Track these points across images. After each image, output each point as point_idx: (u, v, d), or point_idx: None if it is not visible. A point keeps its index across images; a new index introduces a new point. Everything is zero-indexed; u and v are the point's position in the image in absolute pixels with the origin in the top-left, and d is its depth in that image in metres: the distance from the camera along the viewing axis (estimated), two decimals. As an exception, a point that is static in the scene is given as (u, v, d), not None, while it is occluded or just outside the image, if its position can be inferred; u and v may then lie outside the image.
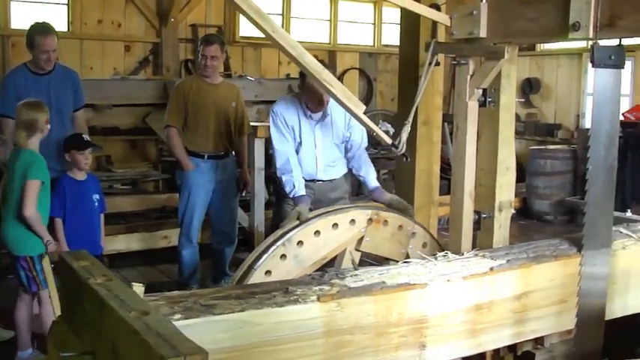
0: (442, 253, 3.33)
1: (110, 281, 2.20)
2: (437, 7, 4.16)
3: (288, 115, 4.52)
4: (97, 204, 5.05)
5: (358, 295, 2.76)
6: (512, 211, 4.01)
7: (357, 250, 3.92)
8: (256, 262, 3.66)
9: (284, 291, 2.69)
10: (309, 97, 4.43)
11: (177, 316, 2.37)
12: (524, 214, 9.65)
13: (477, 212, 3.89)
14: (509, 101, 3.86)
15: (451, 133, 4.34)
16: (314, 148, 4.54)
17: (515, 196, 4.17)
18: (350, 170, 4.75)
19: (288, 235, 3.72)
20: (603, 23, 3.07)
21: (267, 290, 2.70)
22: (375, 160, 9.76)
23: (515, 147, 3.99)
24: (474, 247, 3.81)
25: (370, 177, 4.56)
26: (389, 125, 8.88)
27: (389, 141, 4.04)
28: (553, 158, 9.79)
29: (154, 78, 9.79)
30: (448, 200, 4.04)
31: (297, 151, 4.56)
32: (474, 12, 3.64)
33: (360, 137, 4.62)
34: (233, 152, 6.08)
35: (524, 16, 3.45)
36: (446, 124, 7.79)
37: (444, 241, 4.30)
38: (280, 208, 4.75)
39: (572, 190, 9.59)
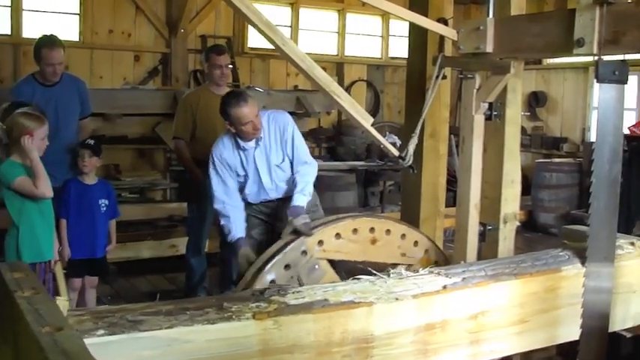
0: (395, 270, 3.21)
1: (37, 294, 2.10)
2: (444, 22, 4.23)
3: (226, 154, 4.48)
4: (104, 209, 5.10)
5: (297, 313, 2.65)
6: (517, 223, 4.05)
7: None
8: (264, 268, 3.73)
9: (218, 307, 2.57)
10: (241, 129, 4.35)
11: (101, 331, 2.27)
12: (530, 227, 9.65)
13: (482, 224, 3.94)
14: (514, 115, 3.92)
15: (457, 146, 4.39)
16: (258, 175, 4.51)
17: (521, 208, 4.21)
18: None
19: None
20: (607, 39, 3.12)
21: (201, 306, 2.57)
22: (381, 172, 9.90)
23: (520, 160, 4.04)
24: (479, 258, 3.86)
25: (296, 195, 4.35)
26: (396, 137, 8.88)
27: (396, 153, 4.09)
28: (559, 171, 9.83)
29: (163, 88, 9.82)
30: (454, 212, 4.09)
31: (244, 183, 4.53)
32: (481, 27, 3.70)
33: (297, 155, 4.54)
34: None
35: (530, 32, 3.51)
36: (452, 136, 7.82)
37: (449, 253, 4.35)
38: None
39: (578, 204, 9.61)
